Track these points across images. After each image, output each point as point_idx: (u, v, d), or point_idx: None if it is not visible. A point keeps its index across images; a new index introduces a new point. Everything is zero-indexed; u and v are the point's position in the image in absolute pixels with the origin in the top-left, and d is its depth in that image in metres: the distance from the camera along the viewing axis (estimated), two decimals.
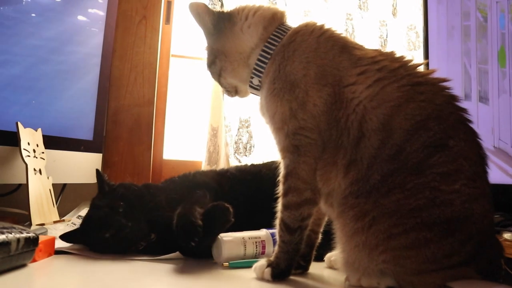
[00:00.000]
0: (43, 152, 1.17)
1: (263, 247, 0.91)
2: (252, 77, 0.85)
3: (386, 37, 1.84)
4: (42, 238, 0.81)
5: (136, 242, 0.92)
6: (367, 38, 1.79)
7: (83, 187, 1.44)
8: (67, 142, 1.34)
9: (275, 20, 0.86)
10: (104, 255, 0.89)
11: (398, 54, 0.81)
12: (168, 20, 1.70)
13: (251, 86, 0.87)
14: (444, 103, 0.75)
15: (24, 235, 0.73)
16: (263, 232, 0.93)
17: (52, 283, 0.71)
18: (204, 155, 1.61)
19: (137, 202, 0.95)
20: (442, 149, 0.71)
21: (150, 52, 1.63)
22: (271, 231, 0.92)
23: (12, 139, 1.10)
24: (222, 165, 1.58)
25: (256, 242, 0.91)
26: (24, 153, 1.09)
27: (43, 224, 1.07)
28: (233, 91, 0.93)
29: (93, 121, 1.46)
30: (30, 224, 1.06)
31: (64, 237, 0.93)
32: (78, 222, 1.11)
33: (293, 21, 0.90)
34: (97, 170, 1.04)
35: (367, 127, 0.73)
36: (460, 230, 0.69)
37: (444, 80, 0.78)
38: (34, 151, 1.14)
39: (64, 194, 1.38)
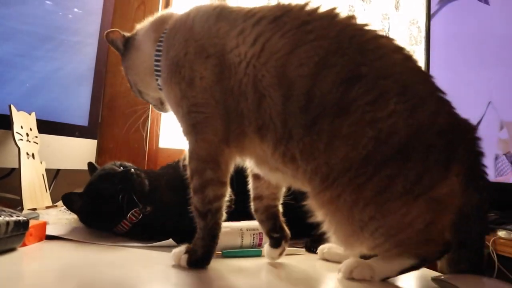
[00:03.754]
0: (36, 137, 1.16)
1: (260, 239, 0.90)
2: (157, 80, 0.84)
3: (388, 31, 1.83)
4: (33, 223, 0.80)
5: (131, 209, 0.91)
6: None
7: (77, 173, 1.42)
8: (62, 127, 1.32)
9: (164, 21, 0.85)
10: (96, 240, 0.88)
11: (284, 2, 0.77)
12: (167, 5, 1.67)
13: (160, 89, 0.85)
14: (339, 32, 0.71)
15: (14, 218, 0.72)
16: None
17: (42, 267, 0.70)
18: None
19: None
20: (357, 80, 0.68)
21: None
22: None
23: (4, 122, 1.08)
24: None
25: (253, 234, 0.89)
26: (16, 136, 1.07)
27: (35, 209, 1.06)
28: (158, 103, 0.91)
29: (88, 107, 1.44)
30: (22, 209, 1.05)
31: (65, 197, 0.94)
32: None
33: None
34: (89, 163, 1.06)
35: (263, 86, 0.71)
36: (414, 148, 0.67)
37: (334, 10, 0.74)
38: (27, 135, 1.12)
39: (58, 180, 1.36)
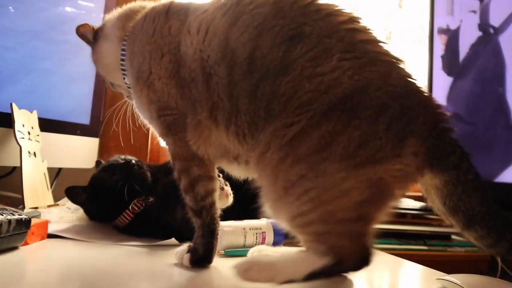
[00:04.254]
0: (38, 135, 1.15)
1: (263, 238, 0.89)
2: (124, 78, 0.84)
3: (391, 30, 1.83)
4: (35, 221, 0.79)
5: (133, 198, 0.92)
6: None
7: (79, 172, 1.42)
8: (64, 126, 1.31)
9: (130, 17, 0.84)
10: (98, 239, 0.87)
11: None
12: None
13: (128, 87, 0.85)
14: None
15: (16, 217, 0.71)
16: (263, 222, 0.91)
17: (44, 266, 0.70)
18: None
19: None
20: (299, 39, 0.65)
21: None
22: (271, 220, 0.90)
23: (6, 120, 1.07)
24: None
25: (256, 233, 0.89)
26: (18, 135, 1.06)
27: (36, 208, 1.05)
28: (131, 95, 0.89)
29: (90, 105, 1.43)
30: (24, 208, 1.04)
31: (68, 190, 0.97)
32: (73, 206, 1.09)
33: None
34: (97, 161, 1.09)
35: (209, 66, 0.70)
36: (361, 103, 0.61)
37: None
38: (29, 133, 1.11)
39: (59, 179, 1.35)
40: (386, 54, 0.66)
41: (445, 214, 0.64)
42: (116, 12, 0.88)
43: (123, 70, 0.83)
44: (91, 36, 0.89)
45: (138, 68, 0.77)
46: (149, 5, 0.85)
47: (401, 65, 0.66)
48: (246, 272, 0.62)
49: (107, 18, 0.90)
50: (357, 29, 0.67)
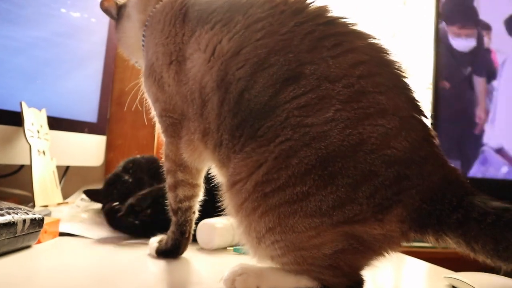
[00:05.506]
0: (47, 133, 1.16)
1: None
2: None
3: (396, 29, 1.83)
4: (47, 220, 0.81)
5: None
6: (377, 26, 1.77)
7: (87, 170, 1.43)
8: (71, 124, 1.32)
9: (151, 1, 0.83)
10: (109, 237, 0.88)
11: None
12: None
13: None
14: (294, 28, 0.61)
15: (30, 216, 0.72)
16: None
17: (57, 264, 0.71)
18: None
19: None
20: (295, 80, 0.57)
21: None
22: None
23: (16, 119, 1.08)
24: None
25: None
26: (27, 133, 1.07)
27: (46, 206, 1.07)
28: None
29: (97, 103, 1.44)
30: (34, 206, 1.05)
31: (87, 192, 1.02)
32: (82, 204, 1.10)
33: None
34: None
35: (206, 92, 0.66)
36: (343, 168, 0.53)
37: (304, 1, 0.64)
38: (38, 132, 1.12)
39: (67, 177, 1.36)
40: (404, 107, 0.56)
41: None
42: None
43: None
44: (114, 11, 0.89)
45: (151, 65, 0.77)
46: None
47: (422, 121, 0.57)
48: (234, 282, 0.60)
49: None
50: (377, 74, 0.57)
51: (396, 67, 0.59)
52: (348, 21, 0.62)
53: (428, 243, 0.58)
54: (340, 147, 0.53)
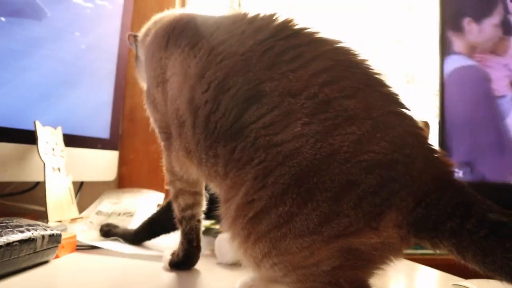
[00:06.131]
0: (62, 150, 1.19)
1: None
2: None
3: (402, 35, 1.84)
4: (64, 235, 0.83)
5: None
6: (383, 33, 1.78)
7: (100, 185, 1.46)
8: (84, 140, 1.36)
9: (147, 33, 0.88)
10: (125, 251, 0.91)
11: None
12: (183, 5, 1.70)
13: None
14: (252, 46, 0.60)
15: (48, 232, 0.75)
16: None
17: (76, 278, 0.73)
18: None
19: None
20: (257, 99, 0.56)
21: None
22: None
23: (31, 137, 1.11)
24: None
25: None
26: (41, 151, 1.10)
27: (60, 222, 1.09)
28: None
29: (109, 119, 1.47)
30: (47, 222, 1.08)
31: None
32: (97, 218, 1.13)
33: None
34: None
35: (180, 114, 0.68)
36: (320, 183, 0.50)
37: (272, 17, 0.63)
38: (53, 149, 1.15)
39: (82, 192, 1.40)
40: (379, 105, 0.53)
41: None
42: (148, 23, 0.92)
43: None
44: (133, 44, 0.95)
45: (148, 89, 0.82)
46: (162, 20, 0.87)
47: (403, 113, 0.53)
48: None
49: (143, 29, 0.93)
50: (344, 77, 0.55)
51: (366, 66, 0.56)
52: (312, 30, 0.60)
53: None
54: (313, 161, 0.51)
